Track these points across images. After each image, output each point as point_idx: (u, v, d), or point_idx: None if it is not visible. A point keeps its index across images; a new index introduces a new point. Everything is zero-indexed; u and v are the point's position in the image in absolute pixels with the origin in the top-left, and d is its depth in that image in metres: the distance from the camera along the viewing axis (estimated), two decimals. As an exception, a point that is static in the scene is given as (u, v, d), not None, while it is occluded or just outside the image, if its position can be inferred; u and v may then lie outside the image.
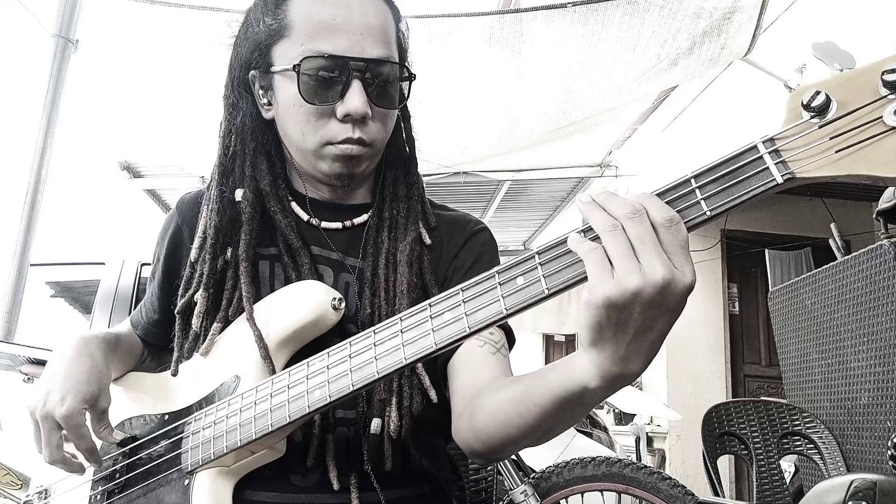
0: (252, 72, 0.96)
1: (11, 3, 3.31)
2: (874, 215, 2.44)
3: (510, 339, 0.97)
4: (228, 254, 0.95)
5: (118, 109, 4.64)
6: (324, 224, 0.99)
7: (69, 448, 0.90)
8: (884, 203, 2.37)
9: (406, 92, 0.96)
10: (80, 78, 3.95)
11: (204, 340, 0.94)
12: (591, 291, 0.62)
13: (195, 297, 0.95)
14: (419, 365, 0.91)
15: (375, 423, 0.88)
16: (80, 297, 4.50)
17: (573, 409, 0.73)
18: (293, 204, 1.00)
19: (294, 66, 0.88)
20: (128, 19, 3.54)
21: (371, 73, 0.90)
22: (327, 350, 0.81)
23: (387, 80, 0.92)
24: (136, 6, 3.44)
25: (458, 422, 0.87)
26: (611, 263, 0.61)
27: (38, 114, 3.06)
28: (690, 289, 0.62)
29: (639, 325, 0.62)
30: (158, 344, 1.09)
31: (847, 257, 2.45)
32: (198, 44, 3.63)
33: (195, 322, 0.94)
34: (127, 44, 3.77)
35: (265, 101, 0.97)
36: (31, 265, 3.04)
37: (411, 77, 0.95)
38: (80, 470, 0.91)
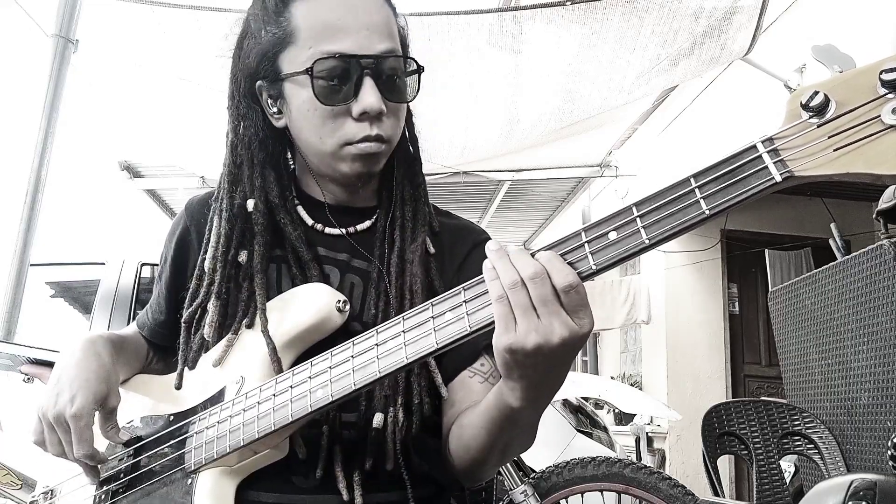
0: (259, 82, 0.95)
1: (11, 3, 3.30)
2: (874, 215, 2.43)
3: None
4: (243, 255, 0.94)
5: (118, 109, 4.64)
6: (331, 230, 0.99)
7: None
8: (884, 203, 2.37)
9: (417, 85, 0.95)
10: (80, 78, 3.95)
11: (207, 350, 0.94)
12: (495, 339, 0.69)
13: (206, 306, 0.94)
14: (431, 362, 0.90)
15: (378, 419, 0.88)
16: (79, 297, 4.50)
17: (512, 428, 0.81)
18: (300, 209, 1.00)
19: (307, 69, 0.88)
20: (128, 19, 3.54)
21: (381, 69, 0.89)
22: (331, 350, 0.81)
23: (396, 73, 0.92)
24: (135, 6, 3.44)
25: (445, 446, 0.94)
26: (514, 316, 0.67)
27: (38, 114, 3.06)
28: (588, 335, 0.69)
29: (544, 365, 0.70)
30: (165, 345, 1.09)
31: (847, 257, 2.45)
32: (198, 44, 3.63)
33: (207, 331, 0.93)
34: (127, 44, 3.77)
35: (275, 109, 0.96)
36: (31, 265, 3.04)
37: (419, 69, 0.94)
38: (94, 473, 0.92)
